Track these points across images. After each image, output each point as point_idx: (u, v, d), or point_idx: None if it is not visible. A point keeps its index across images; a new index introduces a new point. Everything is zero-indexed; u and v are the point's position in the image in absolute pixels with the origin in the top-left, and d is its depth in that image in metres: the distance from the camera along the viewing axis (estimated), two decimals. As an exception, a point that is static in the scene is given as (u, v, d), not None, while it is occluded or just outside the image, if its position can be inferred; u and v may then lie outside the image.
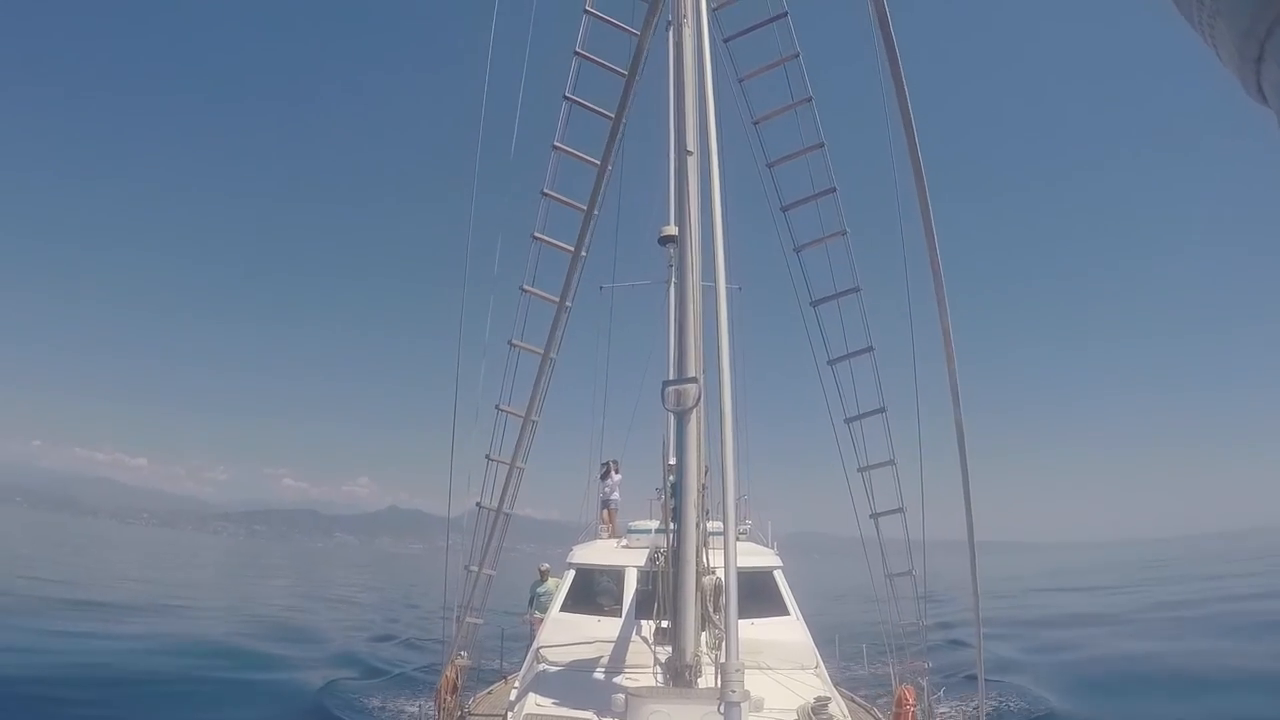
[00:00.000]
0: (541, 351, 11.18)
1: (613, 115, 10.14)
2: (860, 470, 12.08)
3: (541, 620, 16.91)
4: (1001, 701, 21.53)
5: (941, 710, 12.06)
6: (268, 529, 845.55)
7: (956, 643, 31.42)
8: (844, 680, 15.89)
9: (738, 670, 5.60)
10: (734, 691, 5.59)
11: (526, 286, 11.14)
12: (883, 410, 11.85)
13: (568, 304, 11.21)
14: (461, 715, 12.87)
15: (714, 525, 13.26)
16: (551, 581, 19.26)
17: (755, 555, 15.94)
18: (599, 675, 13.69)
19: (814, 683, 13.46)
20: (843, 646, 18.96)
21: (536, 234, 11.16)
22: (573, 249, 10.45)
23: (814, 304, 12.12)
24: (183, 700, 23.04)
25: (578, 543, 18.12)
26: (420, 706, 10.02)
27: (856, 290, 11.79)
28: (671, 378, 11.19)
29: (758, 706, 11.07)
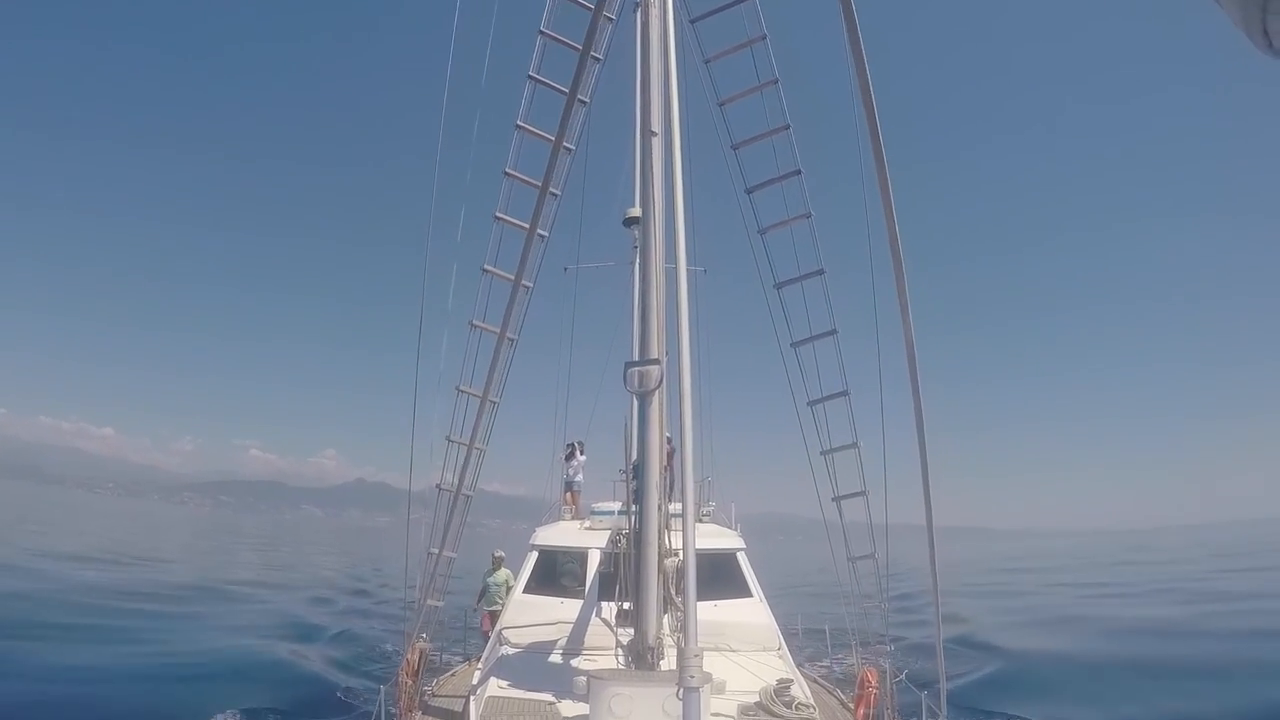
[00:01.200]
0: (501, 332, 11.06)
1: (568, 91, 10.00)
2: (823, 453, 12.07)
3: (490, 614, 17.17)
4: (965, 678, 21.77)
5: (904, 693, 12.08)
6: (234, 500, 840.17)
7: (919, 623, 31.86)
8: (807, 663, 15.95)
9: (697, 655, 5.52)
10: (693, 676, 5.52)
11: (488, 266, 11.02)
12: (846, 393, 11.83)
13: (526, 283, 11.10)
14: (423, 698, 12.82)
15: (675, 507, 13.25)
16: (503, 573, 18.84)
17: (718, 537, 15.95)
18: (562, 657, 13.68)
19: (777, 664, 13.49)
20: (806, 629, 19.06)
21: (499, 214, 11.04)
22: (531, 228, 10.32)
23: (778, 286, 12.06)
24: (150, 681, 23.12)
25: (541, 524, 18.08)
26: (382, 690, 9.95)
27: (820, 273, 11.74)
28: (634, 359, 11.12)
29: (720, 689, 11.09)
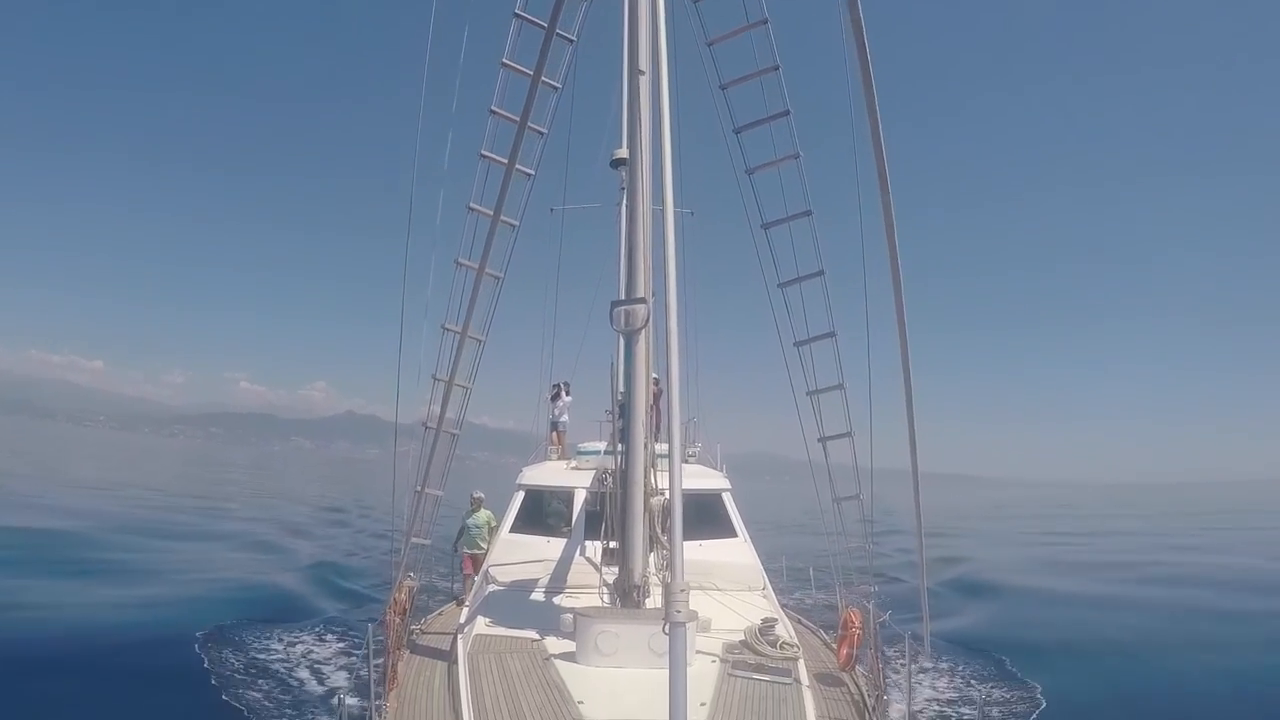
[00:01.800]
0: (486, 270, 10.98)
1: (546, 26, 9.84)
2: (809, 394, 12.03)
3: (471, 557, 17.16)
4: (947, 620, 22.08)
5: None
6: (225, 432, 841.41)
7: (902, 564, 32.31)
8: (791, 604, 16.09)
9: (683, 590, 5.52)
10: (679, 611, 5.53)
11: (473, 205, 10.91)
12: (833, 335, 11.77)
13: (508, 221, 11.00)
14: (410, 637, 12.91)
15: (661, 448, 13.28)
16: (484, 514, 18.10)
17: (704, 478, 16.05)
18: (548, 596, 13.79)
19: (761, 604, 13.62)
20: (790, 569, 19.20)
21: (484, 152, 10.90)
22: (510, 164, 10.19)
23: (765, 227, 11.96)
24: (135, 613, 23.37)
25: (527, 464, 18.15)
26: (370, 628, 10.01)
27: (808, 214, 11.63)
28: (620, 298, 11.08)
29: (705, 627, 11.21)
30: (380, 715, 9.20)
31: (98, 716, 14.78)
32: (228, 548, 36.61)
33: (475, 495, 18.28)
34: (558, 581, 14.23)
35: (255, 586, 27.76)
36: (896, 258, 7.76)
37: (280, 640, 20.78)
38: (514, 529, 15.64)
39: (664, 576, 11.46)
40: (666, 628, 5.55)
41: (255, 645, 20.10)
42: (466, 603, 14.78)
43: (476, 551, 17.32)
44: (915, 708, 15.45)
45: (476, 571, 16.34)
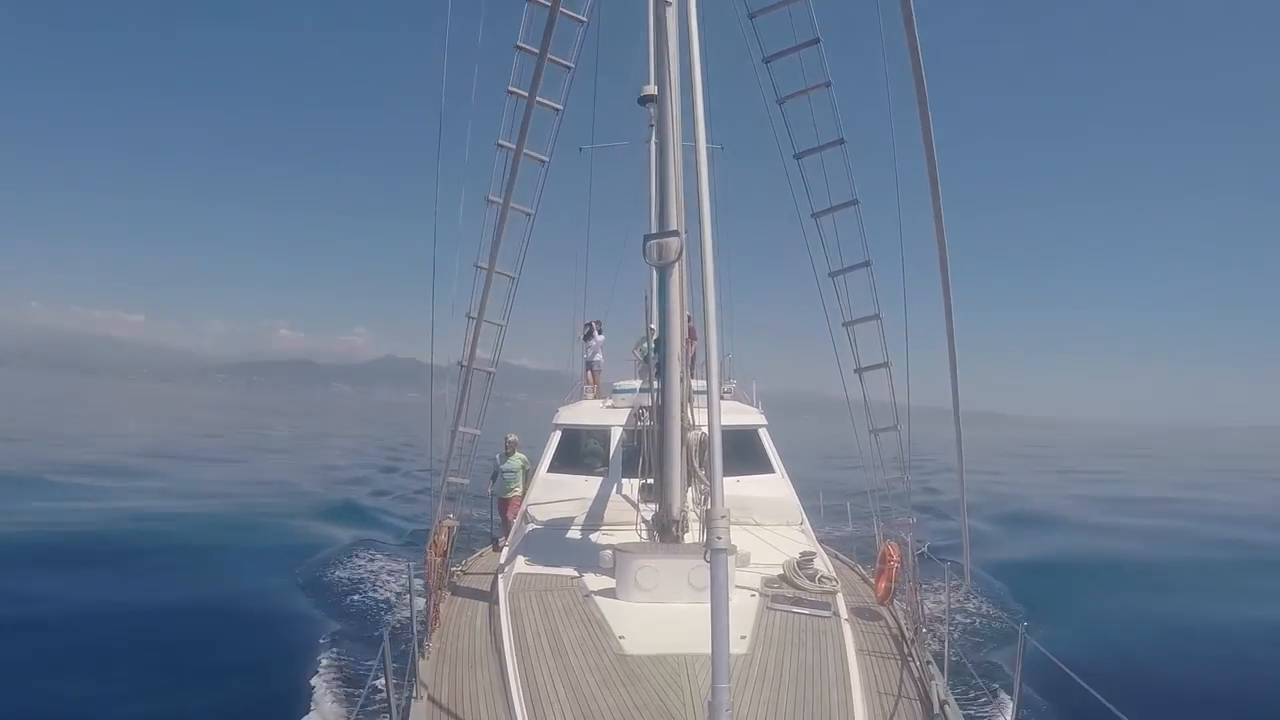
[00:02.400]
0: (516, 206, 10.92)
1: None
2: (845, 324, 11.91)
3: (504, 501, 17.06)
4: (986, 554, 22.00)
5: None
6: (266, 380, 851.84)
7: (940, 503, 32.34)
8: (828, 539, 16.09)
9: (723, 516, 5.48)
10: (719, 539, 5.49)
11: (501, 141, 10.83)
12: (868, 264, 11.62)
13: (536, 156, 10.92)
14: (451, 578, 13.03)
15: (697, 384, 13.28)
16: (518, 458, 17.54)
17: (740, 414, 16.03)
18: (587, 534, 13.88)
19: (799, 538, 13.66)
20: (827, 505, 19.18)
21: (511, 88, 10.80)
22: (530, 97, 10.09)
23: (797, 156, 11.77)
24: (180, 547, 24.10)
25: (563, 404, 18.17)
26: (409, 567, 10.08)
27: (841, 142, 11.42)
28: (652, 232, 11.01)
29: (744, 561, 11.24)
30: (423, 655, 9.23)
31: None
32: (268, 493, 37.13)
33: (509, 438, 17.70)
34: (596, 519, 14.33)
35: (293, 531, 28.27)
36: (937, 181, 7.52)
37: (321, 584, 21.17)
38: (552, 469, 15.75)
39: (702, 510, 11.55)
40: (707, 555, 5.51)
41: (297, 588, 20.50)
42: (503, 546, 14.93)
43: (511, 495, 17.12)
44: (955, 640, 15.51)
45: (512, 516, 16.34)
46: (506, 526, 16.33)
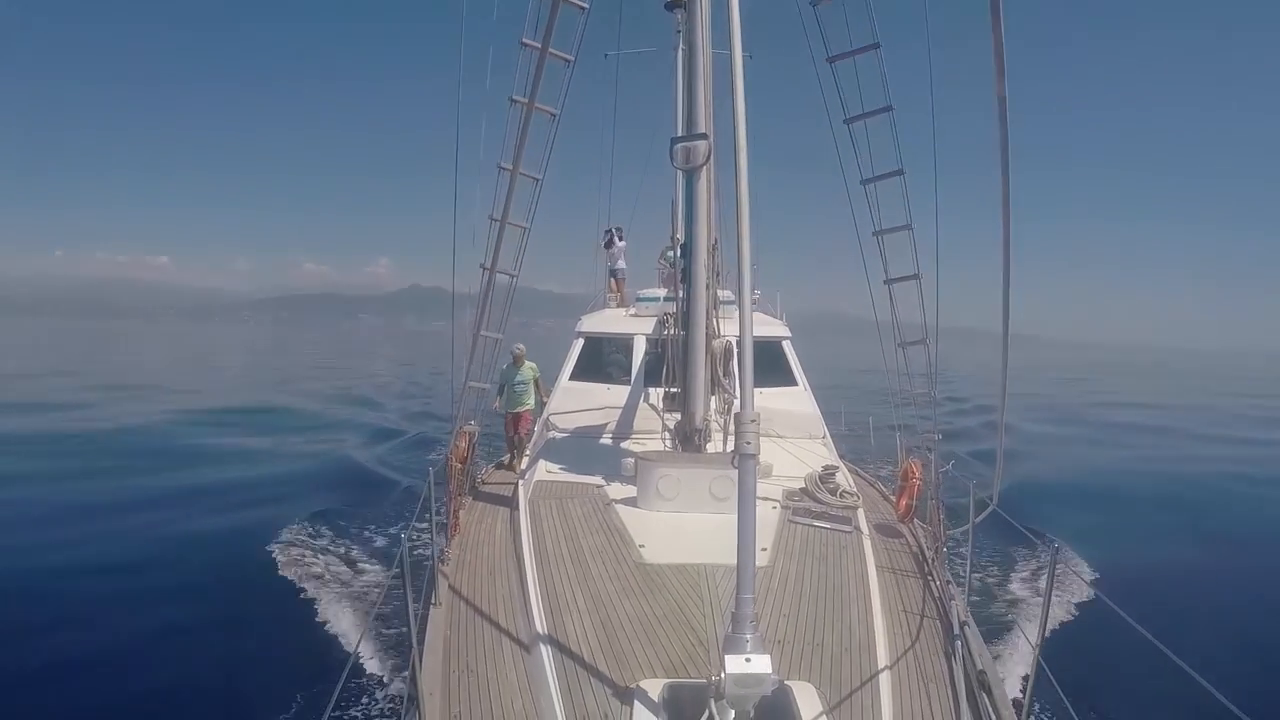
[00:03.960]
0: (541, 106, 10.72)
1: None
2: (875, 234, 11.67)
3: (514, 416, 16.30)
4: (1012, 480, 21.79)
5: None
6: (292, 315, 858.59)
7: (964, 430, 32.21)
8: (850, 455, 15.98)
9: (753, 421, 5.31)
10: (749, 443, 5.29)
11: (525, 40, 10.60)
12: (901, 172, 11.34)
13: (560, 55, 10.69)
14: (473, 485, 13.05)
15: (723, 294, 13.12)
16: (528, 368, 16.41)
17: (764, 325, 15.83)
18: (608, 442, 13.86)
19: (821, 452, 13.60)
20: (849, 422, 19.03)
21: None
22: (568, 1, 9.87)
23: (830, 60, 11.48)
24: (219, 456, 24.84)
25: (586, 312, 18.03)
26: (431, 472, 10.04)
27: (876, 47, 11.11)
28: (679, 135, 10.81)
29: (766, 473, 11.16)
30: (443, 561, 9.27)
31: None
32: (294, 423, 37.73)
33: (515, 349, 16.23)
34: (618, 428, 14.36)
35: (324, 455, 28.69)
36: (1003, 66, 7.11)
37: (343, 493, 21.51)
38: (574, 377, 15.60)
39: (725, 420, 11.46)
40: (735, 460, 5.36)
41: (318, 500, 20.86)
42: (512, 463, 14.86)
43: (523, 410, 16.32)
44: (978, 562, 15.41)
45: (521, 432, 16.01)
46: (520, 445, 15.81)
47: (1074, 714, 5.54)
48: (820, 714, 5.62)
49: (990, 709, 6.41)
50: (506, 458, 16.07)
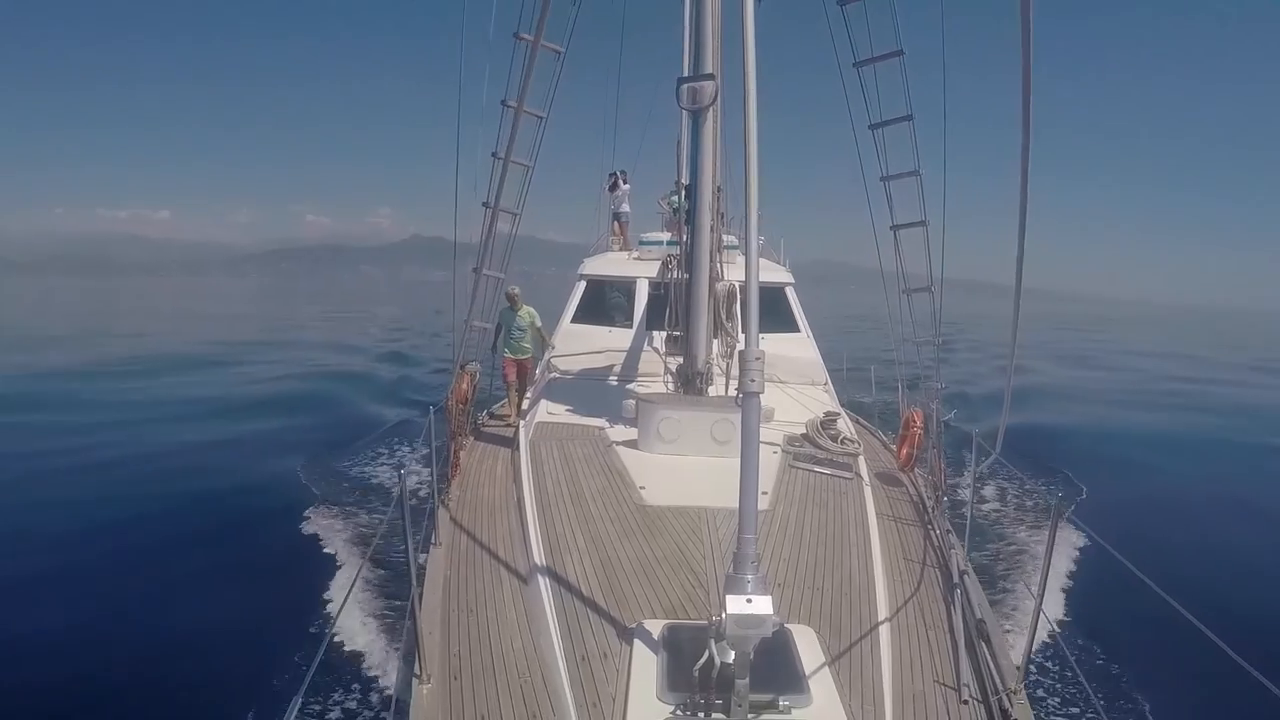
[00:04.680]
0: (546, 43, 10.60)
1: None
2: (883, 179, 11.55)
3: (515, 362, 15.42)
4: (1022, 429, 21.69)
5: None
6: (294, 266, 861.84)
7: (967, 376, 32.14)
8: (851, 404, 15.93)
9: (757, 359, 5.19)
10: (753, 381, 5.19)
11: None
12: (910, 118, 11.20)
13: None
14: (475, 426, 13.04)
15: (727, 239, 13.02)
16: (527, 312, 15.39)
17: (767, 271, 15.71)
18: (611, 384, 13.88)
19: (823, 399, 13.59)
20: (850, 372, 18.95)
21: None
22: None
23: (841, 3, 11.32)
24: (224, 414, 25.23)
25: (589, 255, 17.95)
26: (432, 410, 9.98)
27: None
28: (686, 75, 10.68)
29: (768, 417, 11.14)
30: (442, 502, 9.27)
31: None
32: (285, 368, 38.05)
33: (511, 291, 14.85)
34: (620, 371, 14.37)
35: (318, 397, 29.04)
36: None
37: (345, 434, 21.66)
38: (576, 319, 15.55)
39: (727, 364, 11.42)
40: (739, 400, 5.25)
41: (321, 440, 21.16)
42: (511, 408, 14.71)
43: (521, 357, 15.49)
44: (981, 512, 15.40)
45: (519, 379, 15.25)
46: (521, 391, 15.08)
47: (1075, 664, 5.52)
48: (819, 657, 5.60)
49: (990, 658, 6.38)
50: (504, 402, 15.65)
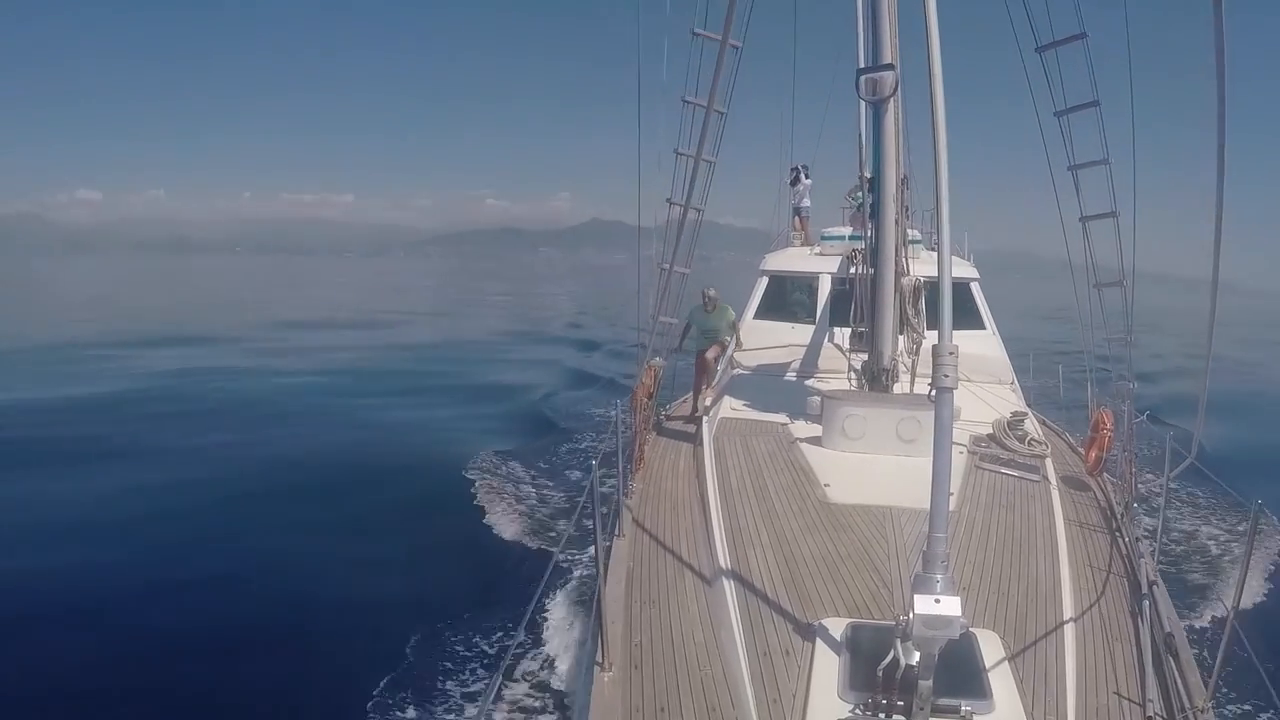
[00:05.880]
0: (725, 39, 10.60)
1: None
2: (1070, 169, 11.18)
3: (706, 356, 14.39)
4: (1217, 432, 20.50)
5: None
6: (474, 249, 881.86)
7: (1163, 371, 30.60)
8: (1037, 403, 15.43)
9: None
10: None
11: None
12: (1096, 104, 10.81)
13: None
14: (658, 420, 13.17)
15: (910, 233, 12.82)
16: (724, 312, 14.33)
17: (953, 266, 15.36)
18: (793, 380, 13.81)
19: (1010, 398, 13.29)
20: (1037, 369, 18.35)
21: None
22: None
23: None
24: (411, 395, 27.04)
25: (770, 250, 17.90)
26: (619, 404, 10.12)
27: None
28: (864, 66, 10.54)
29: (955, 415, 10.92)
30: (627, 495, 9.38)
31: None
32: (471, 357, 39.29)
33: (708, 293, 14.14)
34: (802, 366, 14.31)
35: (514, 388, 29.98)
36: None
37: (534, 428, 22.60)
38: (758, 315, 15.63)
39: (913, 361, 11.24)
40: (932, 394, 5.18)
41: (509, 431, 21.85)
42: (696, 402, 14.68)
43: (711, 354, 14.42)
44: (1171, 518, 14.77)
45: (708, 375, 14.41)
46: (701, 390, 14.22)
47: (1269, 684, 5.23)
48: (1004, 664, 5.52)
49: (1177, 672, 6.15)
50: (683, 399, 15.10)
